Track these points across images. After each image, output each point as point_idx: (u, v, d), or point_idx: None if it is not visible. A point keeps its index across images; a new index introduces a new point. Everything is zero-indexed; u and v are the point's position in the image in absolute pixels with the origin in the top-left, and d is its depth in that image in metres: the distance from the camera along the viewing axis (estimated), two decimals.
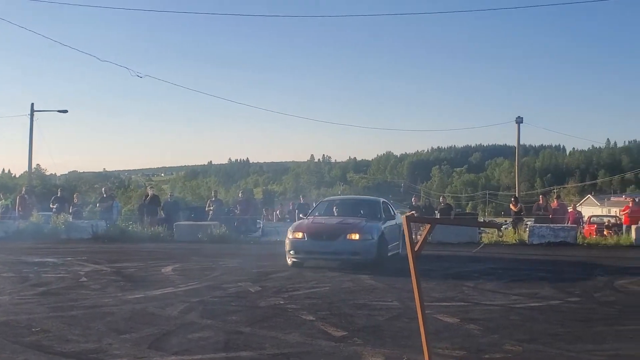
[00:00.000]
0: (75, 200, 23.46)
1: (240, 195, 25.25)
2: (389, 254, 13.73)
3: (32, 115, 33.71)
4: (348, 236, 12.66)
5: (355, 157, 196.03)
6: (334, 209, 14.62)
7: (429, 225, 3.32)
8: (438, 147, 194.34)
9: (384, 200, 15.65)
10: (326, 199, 16.95)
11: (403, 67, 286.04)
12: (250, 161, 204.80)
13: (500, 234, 20.77)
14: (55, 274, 11.87)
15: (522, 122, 37.39)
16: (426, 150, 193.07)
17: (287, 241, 13.11)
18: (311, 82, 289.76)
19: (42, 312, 8.09)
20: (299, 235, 12.98)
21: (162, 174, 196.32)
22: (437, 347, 6.08)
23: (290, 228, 13.48)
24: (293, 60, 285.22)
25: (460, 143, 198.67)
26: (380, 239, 13.02)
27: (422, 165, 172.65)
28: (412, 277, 3.02)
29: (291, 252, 12.99)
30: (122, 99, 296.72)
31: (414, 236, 13.00)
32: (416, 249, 3.06)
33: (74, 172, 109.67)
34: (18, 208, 22.32)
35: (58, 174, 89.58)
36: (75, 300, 9.04)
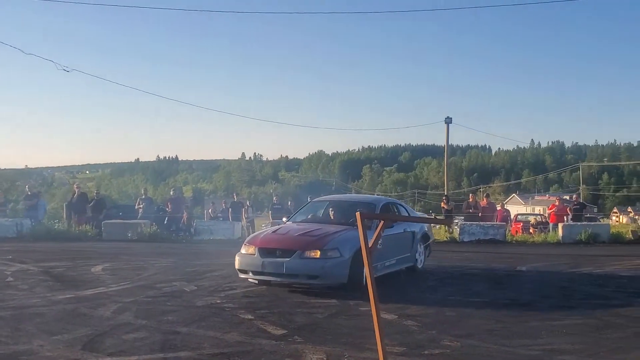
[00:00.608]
0: (0, 199, 22.51)
1: (172, 193, 24.78)
2: (385, 272, 10.68)
3: None
4: (306, 253, 9.59)
5: (287, 156, 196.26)
6: (326, 212, 11.79)
7: (382, 222, 3.30)
8: (369, 146, 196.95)
9: (390, 200, 13.12)
10: (317, 198, 13.03)
11: (336, 67, 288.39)
12: (180, 159, 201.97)
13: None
14: None
15: (451, 123, 38.16)
16: (357, 150, 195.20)
17: (236, 258, 10.23)
18: (242, 79, 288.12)
19: None
20: (250, 250, 10.01)
21: (87, 172, 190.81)
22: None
23: (247, 239, 10.64)
24: (223, 56, 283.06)
25: (390, 142, 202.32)
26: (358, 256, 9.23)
27: (353, 164, 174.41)
28: (366, 275, 3.01)
29: (240, 271, 10.17)
30: (47, 93, 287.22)
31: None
32: (370, 245, 3.04)
33: None
34: None
35: None
36: (2, 301, 8.66)
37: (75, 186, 24.45)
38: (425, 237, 12.69)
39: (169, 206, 22.89)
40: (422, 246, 12.48)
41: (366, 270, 3.04)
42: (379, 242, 8.58)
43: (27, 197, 22.63)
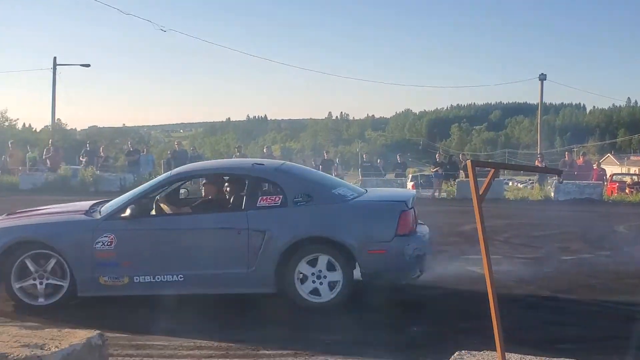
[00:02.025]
0: (102, 154, 23.68)
1: (264, 150, 25.32)
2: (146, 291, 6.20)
3: (54, 69, 33.84)
4: None
5: (373, 115, 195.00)
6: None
7: (493, 170, 3.36)
8: (457, 104, 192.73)
9: (271, 169, 6.83)
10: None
11: (424, 23, 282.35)
12: (269, 118, 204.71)
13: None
14: None
15: (545, 79, 36.88)
16: (445, 108, 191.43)
17: None
18: (329, 37, 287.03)
19: None
20: None
21: (181, 130, 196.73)
22: (475, 298, 6.18)
23: None
24: (314, 14, 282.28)
25: (479, 101, 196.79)
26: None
27: (441, 123, 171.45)
28: (477, 225, 3.09)
29: None
30: (144, 53, 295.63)
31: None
32: (481, 192, 3.11)
33: (94, 127, 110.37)
34: (46, 161, 22.60)
35: (78, 129, 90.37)
36: None
37: (175, 143, 25.49)
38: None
39: None
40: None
41: (478, 226, 3.11)
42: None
43: (129, 153, 23.73)
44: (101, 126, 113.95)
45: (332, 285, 6.01)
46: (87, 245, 6.06)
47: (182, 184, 7.15)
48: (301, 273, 6.03)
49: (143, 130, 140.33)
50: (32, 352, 2.69)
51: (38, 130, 76.61)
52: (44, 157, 23.15)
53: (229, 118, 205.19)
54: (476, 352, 3.32)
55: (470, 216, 3.76)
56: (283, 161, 9.05)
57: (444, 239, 10.23)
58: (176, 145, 25.15)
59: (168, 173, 7.09)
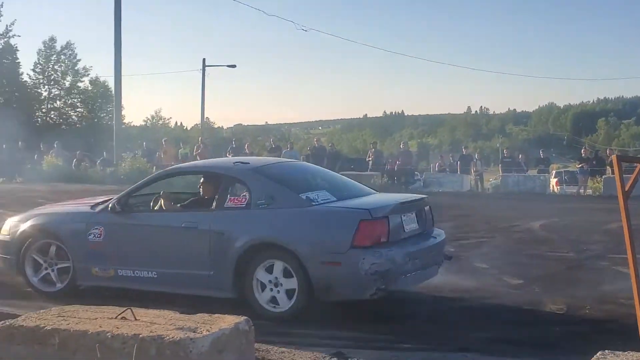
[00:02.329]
0: (246, 150, 24.74)
1: (401, 146, 25.34)
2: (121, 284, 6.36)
3: (203, 70, 35.77)
4: None
5: (514, 109, 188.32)
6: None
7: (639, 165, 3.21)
8: (604, 97, 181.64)
9: (247, 170, 6.36)
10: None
11: (565, 12, 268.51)
12: (406, 114, 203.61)
13: None
14: None
15: None
16: (591, 101, 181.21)
17: None
18: (467, 31, 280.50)
19: None
20: None
21: (320, 127, 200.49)
22: (620, 298, 5.88)
23: None
24: (452, 9, 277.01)
25: (628, 93, 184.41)
26: None
27: (586, 117, 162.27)
28: (623, 222, 2.98)
29: None
30: (286, 53, 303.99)
31: None
32: (627, 188, 3.00)
33: (239, 125, 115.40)
34: (196, 157, 23.97)
35: (225, 127, 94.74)
36: None
37: (315, 140, 26.17)
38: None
39: (399, 159, 23.47)
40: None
41: (623, 217, 3.00)
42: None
43: (271, 150, 24.67)
44: (245, 124, 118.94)
45: (290, 294, 5.53)
46: (81, 235, 6.29)
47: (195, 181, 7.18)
48: (259, 280, 5.63)
49: (284, 128, 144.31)
50: (186, 335, 2.92)
51: (189, 128, 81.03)
52: (194, 153, 24.57)
53: (366, 114, 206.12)
54: (620, 353, 3.20)
55: (617, 214, 3.61)
56: (284, 160, 9.12)
57: (588, 238, 9.77)
58: (315, 142, 25.89)
59: (160, 171, 7.18)
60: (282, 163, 7.63)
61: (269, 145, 26.98)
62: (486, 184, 24.17)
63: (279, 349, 4.48)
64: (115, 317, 3.28)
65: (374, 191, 6.76)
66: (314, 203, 5.77)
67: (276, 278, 5.57)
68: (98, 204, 6.56)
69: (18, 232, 6.52)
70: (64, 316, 3.37)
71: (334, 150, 25.27)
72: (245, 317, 3.19)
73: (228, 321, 3.14)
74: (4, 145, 25.51)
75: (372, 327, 5.27)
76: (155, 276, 6.05)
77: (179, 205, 6.53)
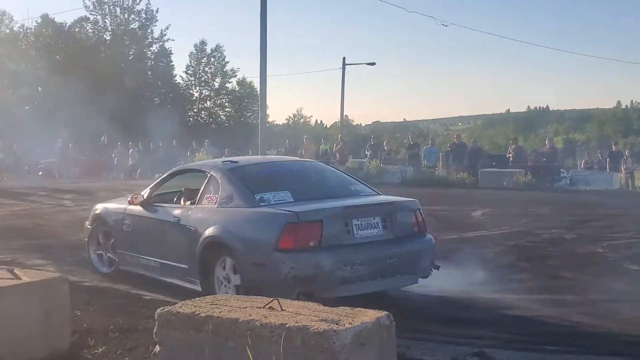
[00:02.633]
0: (385, 148, 24.84)
1: (546, 143, 24.30)
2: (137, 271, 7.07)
3: (343, 68, 36.22)
4: None
5: None
6: None
7: None
8: None
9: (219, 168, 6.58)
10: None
11: None
12: (551, 108, 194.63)
13: None
14: None
15: None
16: None
17: None
18: (616, 20, 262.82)
19: None
20: None
21: (459, 123, 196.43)
22: None
23: None
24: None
25: None
26: None
27: None
28: None
29: None
30: (425, 49, 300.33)
31: None
32: None
33: (377, 122, 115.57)
34: (336, 154, 24.43)
35: (363, 124, 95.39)
36: None
37: (454, 136, 25.79)
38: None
39: (544, 156, 22.55)
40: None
41: None
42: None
43: (410, 147, 24.56)
44: (383, 121, 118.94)
45: (237, 290, 5.51)
46: (119, 225, 7.13)
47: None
48: (217, 276, 5.81)
49: (423, 124, 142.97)
50: (329, 327, 3.03)
51: (328, 126, 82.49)
52: (333, 150, 25.03)
53: (508, 109, 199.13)
54: None
55: None
56: (279, 159, 8.95)
57: None
58: (455, 138, 25.42)
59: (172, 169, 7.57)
60: (268, 163, 7.53)
61: (407, 142, 26.86)
62: (637, 182, 22.67)
63: (419, 345, 4.52)
64: (263, 307, 3.45)
65: (374, 193, 6.48)
66: (262, 204, 5.78)
67: (227, 274, 5.72)
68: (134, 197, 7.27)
69: (92, 214, 7.67)
70: (216, 304, 3.59)
71: (475, 146, 24.68)
72: (387, 312, 3.25)
73: (370, 315, 3.22)
74: (160, 144, 27.28)
75: (514, 327, 5.15)
76: (158, 265, 6.58)
77: (189, 202, 6.73)
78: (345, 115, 55.40)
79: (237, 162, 6.88)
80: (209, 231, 5.86)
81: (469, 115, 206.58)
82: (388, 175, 22.05)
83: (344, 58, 36.77)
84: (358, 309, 3.34)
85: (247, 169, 6.61)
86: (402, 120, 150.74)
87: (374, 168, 22.23)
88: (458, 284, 6.47)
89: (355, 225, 5.61)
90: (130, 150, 26.95)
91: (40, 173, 24.23)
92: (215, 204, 6.09)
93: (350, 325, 3.06)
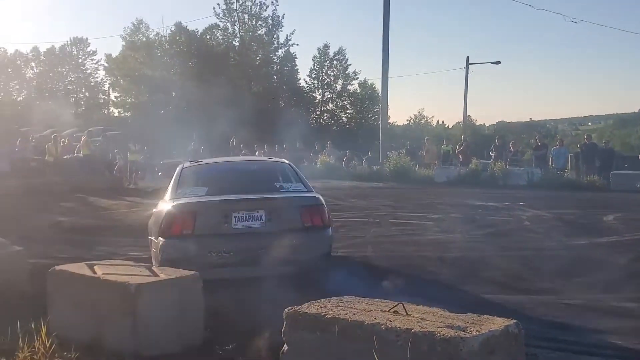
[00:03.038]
0: (511, 149, 24.10)
1: None
2: None
3: (467, 68, 35.60)
4: None
5: None
6: None
7: None
8: None
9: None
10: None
11: None
12: None
13: None
14: (498, 217, 12.50)
15: None
16: None
17: None
18: None
19: (492, 251, 8.66)
20: None
21: (589, 123, 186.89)
22: None
23: None
24: None
25: None
26: None
27: None
28: None
29: None
30: (553, 47, 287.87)
31: None
32: None
33: (502, 122, 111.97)
34: (459, 155, 24.03)
35: (487, 125, 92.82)
36: (522, 242, 9.46)
37: (585, 137, 24.64)
38: None
39: None
40: None
41: None
42: None
43: (537, 148, 23.68)
44: (508, 121, 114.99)
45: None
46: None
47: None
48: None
49: (550, 124, 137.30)
50: (456, 333, 3.01)
51: (450, 126, 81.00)
52: (456, 151, 24.60)
53: None
54: None
55: None
56: (235, 159, 10.21)
57: None
58: (585, 139, 24.20)
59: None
60: (220, 163, 8.76)
61: (533, 142, 25.92)
62: None
63: (548, 354, 4.39)
64: (388, 311, 3.48)
65: (298, 191, 6.97)
66: (176, 197, 6.72)
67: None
68: None
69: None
70: (342, 306, 3.66)
71: (607, 147, 23.43)
72: (515, 321, 3.19)
73: (498, 323, 3.17)
74: (284, 146, 27.98)
75: None
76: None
77: None
78: (468, 115, 54.35)
79: (199, 162, 7.91)
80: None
81: (599, 115, 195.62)
82: (514, 177, 21.42)
83: (467, 57, 36.22)
84: (485, 316, 3.30)
85: (195, 168, 7.57)
86: (528, 120, 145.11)
87: (499, 169, 21.65)
88: (588, 292, 6.22)
89: (235, 217, 6.31)
90: (257, 152, 27.84)
91: (159, 173, 25.25)
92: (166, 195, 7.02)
93: (477, 333, 3.03)
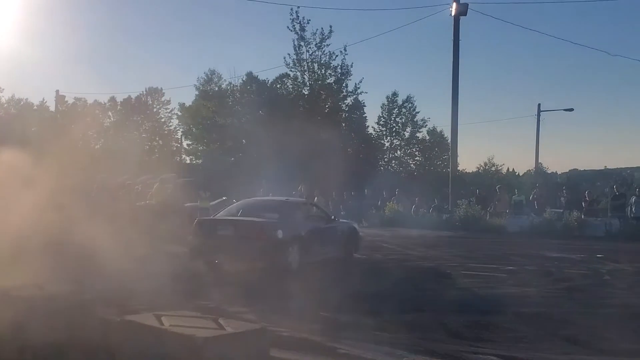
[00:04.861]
0: (587, 198, 23.30)
1: None
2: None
3: (538, 115, 34.95)
4: None
5: None
6: None
7: None
8: None
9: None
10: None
11: None
12: None
13: None
14: (576, 270, 11.99)
15: None
16: None
17: None
18: None
19: (571, 307, 8.26)
20: None
21: None
22: None
23: None
24: None
25: None
26: None
27: None
28: None
29: None
30: (628, 92, 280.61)
31: None
32: None
33: (574, 170, 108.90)
34: (534, 203, 23.40)
35: (558, 172, 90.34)
36: (603, 298, 8.98)
37: None
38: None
39: None
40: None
41: None
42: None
43: (615, 197, 22.77)
44: (581, 169, 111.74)
45: None
46: None
47: None
48: None
49: (626, 172, 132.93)
50: None
51: (520, 174, 79.23)
52: (530, 198, 23.96)
53: None
54: None
55: None
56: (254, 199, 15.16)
57: None
58: None
59: None
60: (243, 201, 14.28)
61: (609, 191, 24.97)
62: None
63: None
64: None
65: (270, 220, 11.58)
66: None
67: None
68: None
69: None
70: None
71: None
72: None
73: None
74: (352, 193, 27.91)
75: None
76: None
77: None
78: (540, 162, 53.13)
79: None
80: None
81: None
82: (590, 228, 20.63)
83: (538, 105, 35.67)
84: None
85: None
86: (602, 167, 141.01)
87: (574, 220, 20.89)
88: None
89: (219, 229, 11.60)
90: (315, 198, 27.82)
91: None
92: None
93: None
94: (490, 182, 50.19)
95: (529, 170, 59.91)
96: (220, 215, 12.46)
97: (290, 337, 6.63)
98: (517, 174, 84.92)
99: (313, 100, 49.07)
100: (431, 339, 6.34)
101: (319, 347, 6.17)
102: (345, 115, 51.85)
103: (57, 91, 50.48)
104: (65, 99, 54.84)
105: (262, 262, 11.04)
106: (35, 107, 53.57)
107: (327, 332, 6.77)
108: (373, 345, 6.10)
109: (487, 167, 76.69)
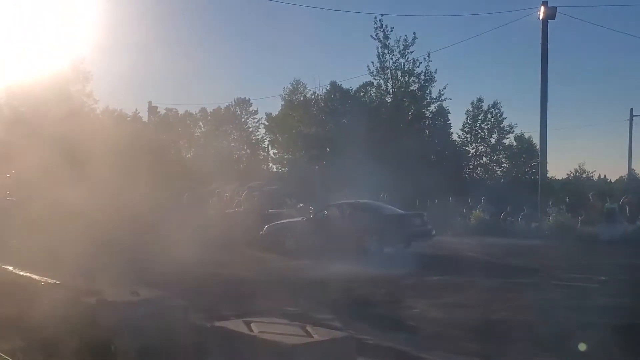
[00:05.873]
0: None
1: None
2: None
3: (631, 119, 33.60)
4: None
5: None
6: None
7: None
8: None
9: None
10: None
11: None
12: None
13: None
14: None
15: None
16: None
17: None
18: None
19: None
20: None
21: None
22: None
23: None
24: None
25: None
26: None
27: None
28: None
29: None
30: None
31: None
32: None
33: None
34: (626, 207, 22.45)
35: None
36: None
37: None
38: None
39: None
40: None
41: None
42: None
43: None
44: None
45: None
46: None
47: None
48: None
49: None
50: None
51: (612, 180, 76.15)
52: (620, 203, 23.03)
53: None
54: None
55: None
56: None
57: None
58: None
59: None
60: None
61: None
62: None
63: None
64: None
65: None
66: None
67: None
68: None
69: None
70: None
71: None
72: None
73: None
74: (436, 201, 27.61)
75: None
76: None
77: None
78: (632, 169, 50.94)
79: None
80: None
81: None
82: None
83: (631, 109, 34.23)
84: None
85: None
86: None
87: None
88: None
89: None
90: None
91: None
92: None
93: None
94: (581, 189, 48.46)
95: (622, 176, 57.55)
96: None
97: (377, 345, 6.70)
98: (609, 180, 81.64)
99: (396, 107, 48.86)
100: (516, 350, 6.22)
101: (405, 357, 6.20)
102: (428, 122, 51.34)
103: (150, 102, 52.43)
104: (157, 110, 56.77)
105: None
106: (128, 118, 55.76)
107: (413, 342, 6.79)
108: (463, 358, 6.07)
109: (577, 174, 74.07)
